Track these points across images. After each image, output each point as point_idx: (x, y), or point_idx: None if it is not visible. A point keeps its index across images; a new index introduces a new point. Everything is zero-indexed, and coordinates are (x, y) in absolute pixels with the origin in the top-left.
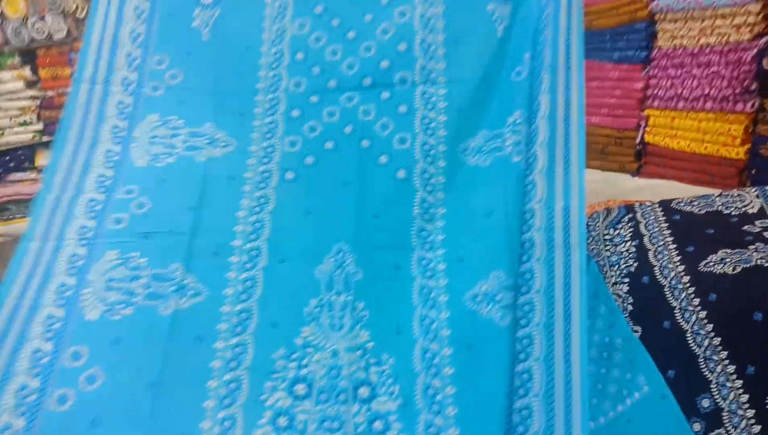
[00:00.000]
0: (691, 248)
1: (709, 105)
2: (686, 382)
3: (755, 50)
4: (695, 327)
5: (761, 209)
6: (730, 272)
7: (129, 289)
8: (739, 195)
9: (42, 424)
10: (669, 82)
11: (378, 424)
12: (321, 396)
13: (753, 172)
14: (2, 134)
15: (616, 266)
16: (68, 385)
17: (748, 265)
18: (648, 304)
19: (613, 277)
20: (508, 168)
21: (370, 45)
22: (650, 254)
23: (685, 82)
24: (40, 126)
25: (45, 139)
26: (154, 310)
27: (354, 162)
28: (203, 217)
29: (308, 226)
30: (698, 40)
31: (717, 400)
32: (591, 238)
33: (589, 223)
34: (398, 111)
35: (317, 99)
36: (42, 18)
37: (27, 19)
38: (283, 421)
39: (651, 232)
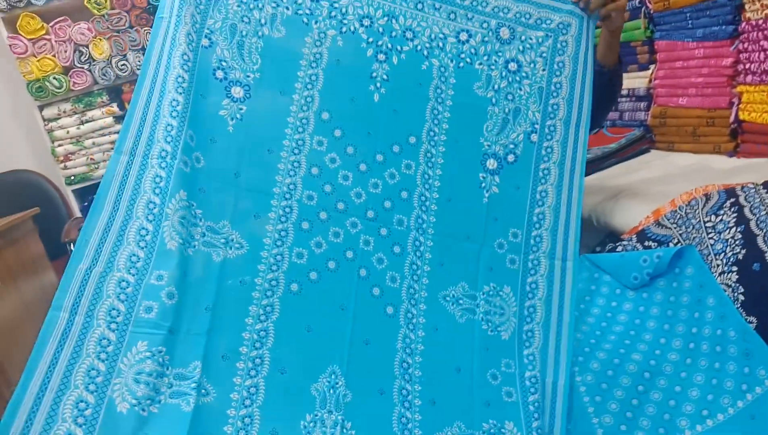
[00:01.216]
0: None
1: None
2: None
3: None
4: None
5: None
6: None
7: (156, 385)
8: None
9: None
10: (762, 55)
11: None
12: None
13: None
14: (98, 168)
15: (722, 255)
16: None
17: None
18: (762, 293)
19: (720, 267)
20: (476, 332)
21: (378, 183)
22: (759, 240)
23: None
24: None
25: None
26: (177, 408)
27: (352, 287)
28: (217, 318)
29: (308, 343)
30: None
31: None
32: (692, 227)
33: (688, 212)
34: (393, 250)
35: (326, 216)
36: (124, 57)
37: (111, 59)
38: None
39: (757, 215)
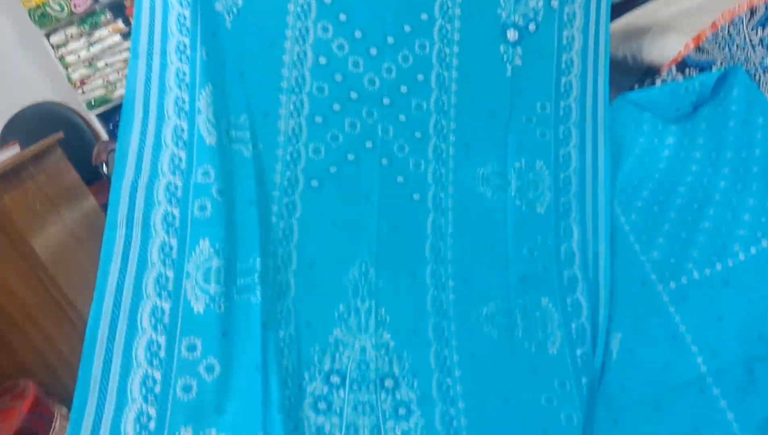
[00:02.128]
0: None
1: None
2: None
3: None
4: None
5: None
6: None
7: (225, 281)
8: None
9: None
10: None
11: (402, 411)
12: (353, 386)
13: None
14: (115, 88)
15: None
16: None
17: None
18: None
19: None
20: (510, 208)
21: (391, 67)
22: None
23: None
24: None
25: None
26: (248, 301)
27: (375, 178)
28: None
29: (335, 236)
30: None
31: None
32: (736, 47)
33: (731, 31)
34: (414, 136)
35: (339, 108)
36: None
37: None
38: (322, 405)
39: None
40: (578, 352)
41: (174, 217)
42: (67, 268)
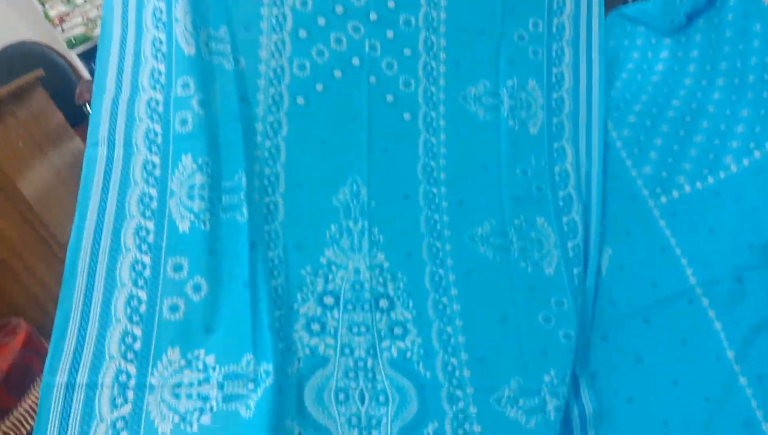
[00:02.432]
0: None
1: None
2: None
3: None
4: None
5: None
6: None
7: (210, 198)
8: None
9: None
10: None
11: (398, 330)
12: (347, 306)
13: None
14: (95, 26)
15: None
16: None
17: None
18: None
19: None
20: (503, 128)
21: None
22: None
23: None
24: None
25: None
26: (234, 220)
27: (363, 96)
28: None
29: (323, 155)
30: None
31: None
32: None
33: None
34: (403, 53)
35: (324, 22)
36: None
37: None
38: (315, 326)
39: None
40: (575, 271)
41: (156, 134)
42: (54, 208)
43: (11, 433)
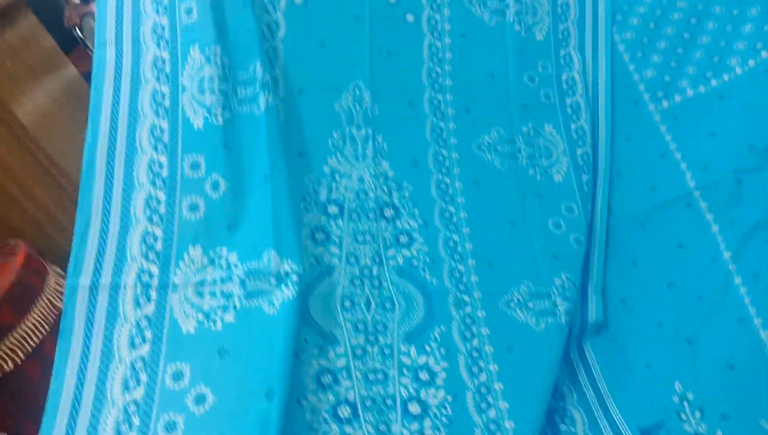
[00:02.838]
0: None
1: None
2: None
3: None
4: None
5: None
6: None
7: (223, 90)
8: None
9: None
10: None
11: (403, 238)
12: (352, 215)
13: None
14: None
15: None
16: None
17: None
18: None
19: None
20: (509, 34)
21: None
22: None
23: None
24: None
25: None
26: (252, 114)
27: None
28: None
29: (324, 58)
30: None
31: None
32: None
33: None
34: None
35: None
36: None
37: None
38: (320, 235)
39: None
40: (584, 178)
41: (163, 28)
42: (51, 133)
43: (16, 349)
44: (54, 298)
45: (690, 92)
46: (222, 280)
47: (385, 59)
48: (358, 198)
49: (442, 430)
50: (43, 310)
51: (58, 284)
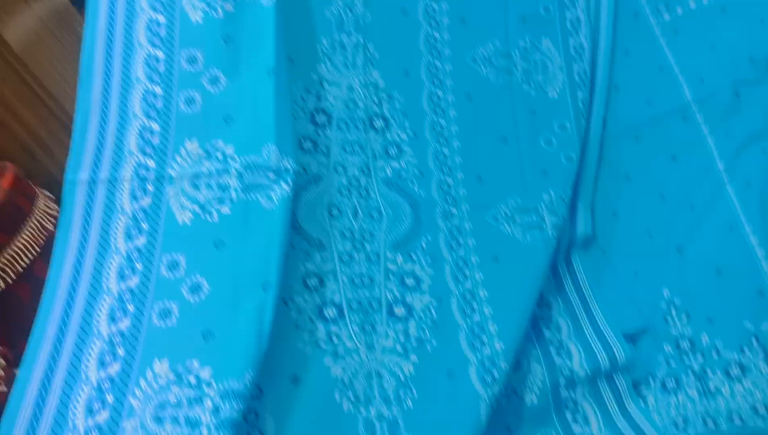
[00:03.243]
0: None
1: None
2: None
3: None
4: None
5: None
6: None
7: None
8: None
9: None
10: None
11: (393, 150)
12: (341, 125)
13: None
14: None
15: None
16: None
17: None
18: None
19: None
20: None
21: None
22: None
23: None
24: None
25: None
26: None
27: None
28: None
29: None
30: None
31: None
32: None
33: None
34: None
35: None
36: None
37: None
38: (307, 144)
39: None
40: (579, 95)
41: None
42: (40, 56)
43: (7, 268)
44: (44, 219)
45: (693, 4)
46: (218, 173)
47: None
48: (347, 108)
49: (426, 331)
50: (32, 232)
51: (48, 207)
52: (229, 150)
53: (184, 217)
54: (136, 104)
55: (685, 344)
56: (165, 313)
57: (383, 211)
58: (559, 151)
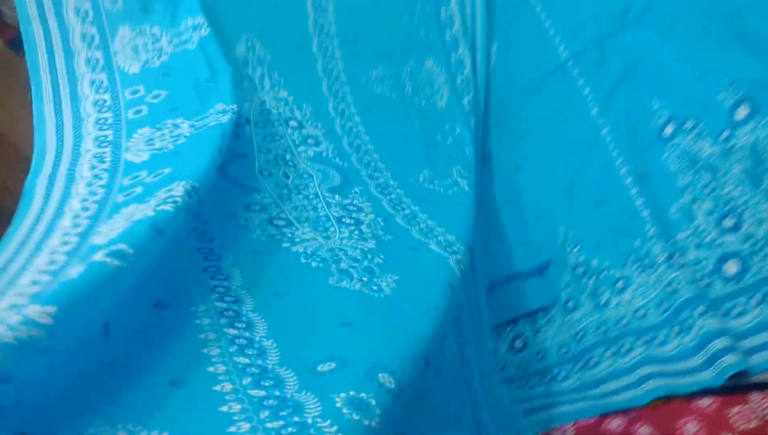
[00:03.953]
0: None
1: None
2: None
3: None
4: None
5: None
6: None
7: None
8: None
9: None
10: None
11: (311, 141)
12: (258, 123)
13: None
14: None
15: None
16: None
17: None
18: None
19: None
20: None
21: None
22: None
23: None
24: None
25: None
26: None
27: None
28: None
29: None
30: None
31: None
32: None
33: None
34: None
35: None
36: None
37: None
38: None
39: None
40: (465, 100)
41: None
42: None
43: None
44: None
45: None
46: (153, 41)
47: (271, 15)
48: (261, 113)
49: (378, 229)
50: None
51: None
52: (156, 30)
53: (132, 69)
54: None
55: (580, 270)
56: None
57: (313, 174)
58: (455, 145)
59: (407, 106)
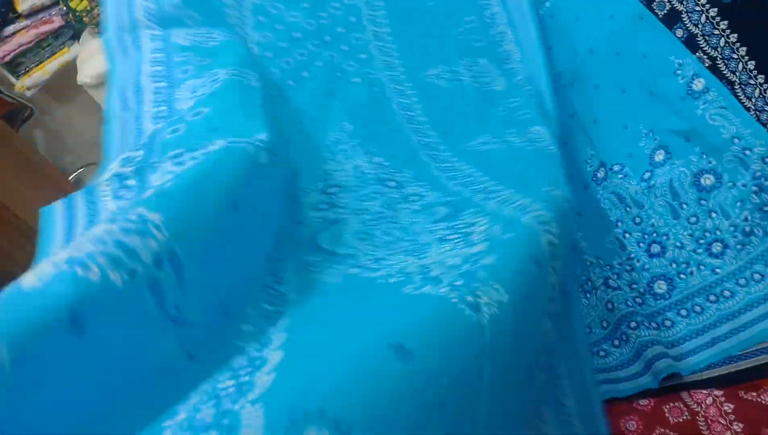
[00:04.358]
0: None
1: None
2: None
3: None
4: None
5: None
6: None
7: None
8: None
9: None
10: None
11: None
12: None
13: None
14: None
15: None
16: None
17: None
18: None
19: None
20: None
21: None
22: None
23: None
24: None
25: None
26: None
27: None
28: None
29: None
30: None
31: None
32: None
33: None
34: None
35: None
36: None
37: None
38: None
39: None
40: (516, 79)
41: None
42: None
43: None
44: None
45: None
46: None
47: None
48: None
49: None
50: None
51: None
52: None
53: None
54: None
55: None
56: None
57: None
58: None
59: (466, 91)
